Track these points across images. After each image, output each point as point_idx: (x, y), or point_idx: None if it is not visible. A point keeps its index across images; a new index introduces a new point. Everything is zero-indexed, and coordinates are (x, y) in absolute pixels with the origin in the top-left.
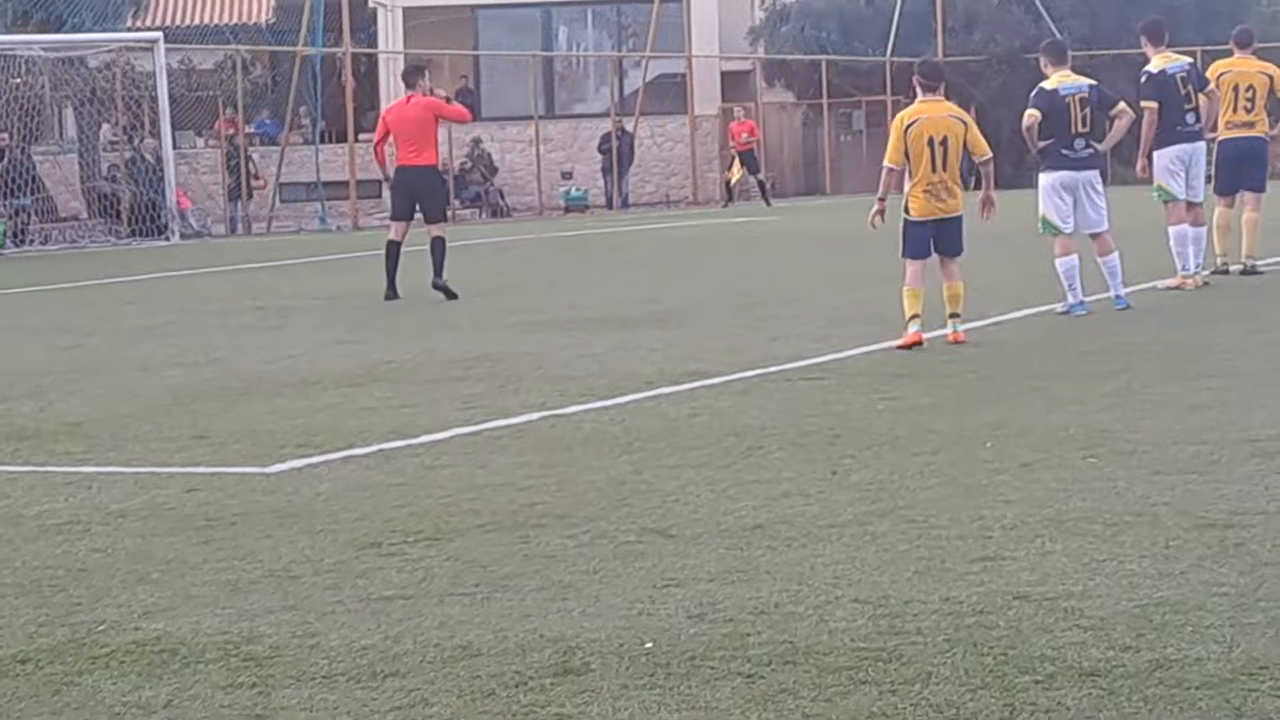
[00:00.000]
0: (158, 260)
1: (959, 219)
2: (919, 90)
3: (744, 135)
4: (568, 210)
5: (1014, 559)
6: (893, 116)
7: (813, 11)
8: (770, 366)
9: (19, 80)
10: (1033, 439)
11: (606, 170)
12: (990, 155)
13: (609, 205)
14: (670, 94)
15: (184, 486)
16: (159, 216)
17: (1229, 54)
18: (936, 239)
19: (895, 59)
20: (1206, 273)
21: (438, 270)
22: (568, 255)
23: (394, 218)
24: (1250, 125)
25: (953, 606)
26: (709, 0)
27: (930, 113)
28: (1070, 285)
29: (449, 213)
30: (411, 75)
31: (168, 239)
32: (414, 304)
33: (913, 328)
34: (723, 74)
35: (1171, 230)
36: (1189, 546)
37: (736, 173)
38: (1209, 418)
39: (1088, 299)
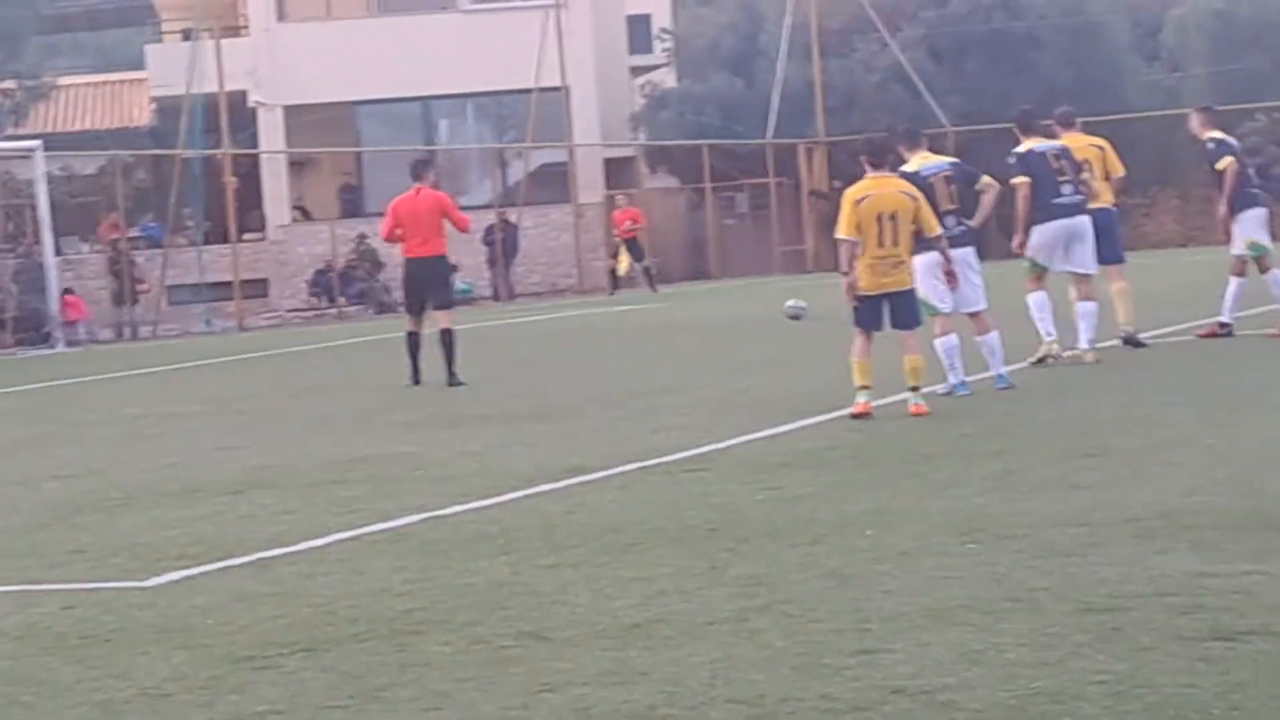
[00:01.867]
0: (40, 370)
1: (910, 292)
2: (867, 168)
3: (627, 223)
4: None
5: (892, 651)
6: (776, 198)
7: (692, 96)
8: (650, 459)
9: None
10: (913, 525)
11: (492, 262)
12: (940, 232)
13: (495, 297)
14: (553, 183)
15: (61, 604)
16: (43, 324)
17: (1054, 136)
18: (891, 313)
19: (776, 141)
20: (1077, 349)
21: (450, 366)
22: None
23: (409, 311)
24: (1095, 197)
25: (829, 703)
26: (589, 89)
27: (880, 189)
28: (951, 365)
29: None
30: (419, 167)
31: (52, 347)
32: (294, 404)
33: (861, 398)
34: (605, 161)
35: (1030, 298)
36: (1068, 633)
37: (623, 261)
38: (1089, 498)
39: (969, 379)
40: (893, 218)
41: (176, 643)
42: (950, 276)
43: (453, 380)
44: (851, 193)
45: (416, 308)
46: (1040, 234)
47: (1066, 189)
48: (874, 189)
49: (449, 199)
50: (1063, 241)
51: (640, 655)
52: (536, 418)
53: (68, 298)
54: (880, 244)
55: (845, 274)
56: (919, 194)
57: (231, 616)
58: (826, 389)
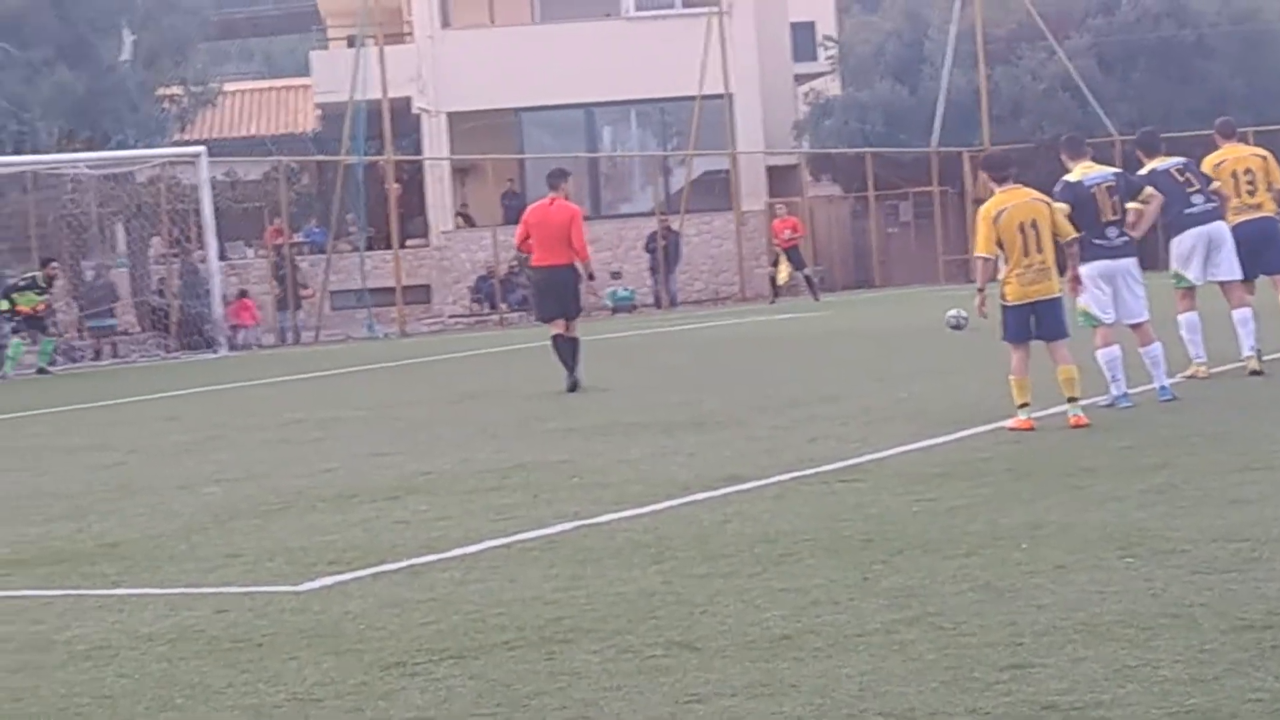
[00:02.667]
0: (204, 374)
1: (1057, 300)
2: (993, 185)
3: (786, 232)
4: (615, 311)
5: (1044, 666)
6: (940, 207)
7: (856, 104)
8: (806, 469)
9: (68, 198)
10: (1069, 539)
11: (654, 269)
12: (1075, 236)
13: (657, 304)
14: (716, 190)
15: (214, 607)
16: (206, 329)
17: (1215, 146)
18: (1037, 323)
19: (941, 149)
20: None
21: (572, 370)
22: (611, 357)
23: (547, 318)
24: (1257, 207)
25: (979, 718)
26: (752, 96)
27: (1014, 200)
28: (1114, 377)
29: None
30: (555, 178)
31: (215, 351)
32: (453, 410)
33: (1022, 415)
34: (768, 169)
35: (1181, 318)
36: (1224, 650)
37: (784, 270)
38: (1250, 513)
39: (1131, 391)
40: (1033, 225)
41: (327, 648)
42: (1075, 283)
43: (573, 384)
44: (987, 210)
45: (552, 314)
46: (1178, 245)
47: (1197, 199)
48: (1008, 201)
49: (580, 216)
50: (1202, 249)
51: (790, 667)
52: (695, 426)
53: (244, 300)
54: (1025, 253)
55: (981, 290)
56: (1049, 200)
57: (383, 622)
58: (985, 400)
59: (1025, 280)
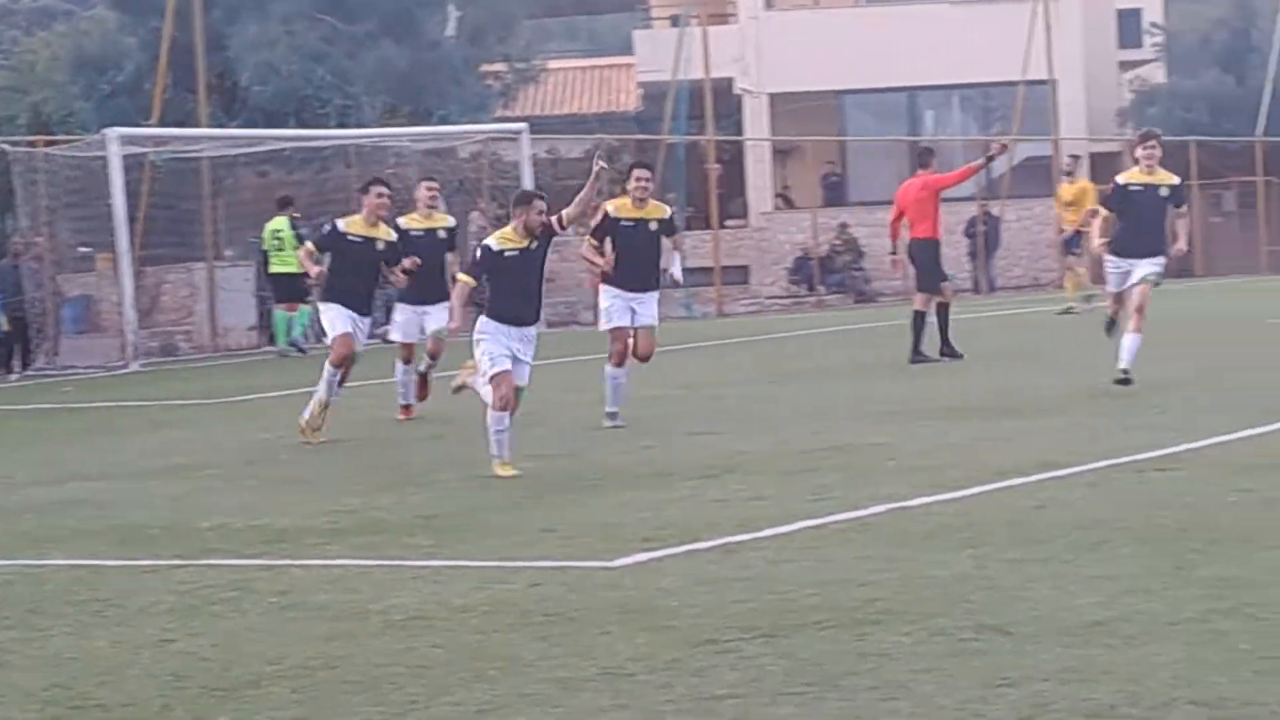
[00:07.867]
0: None
1: None
2: None
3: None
4: None
5: None
6: (1264, 197)
7: (1181, 93)
8: (1122, 457)
9: (390, 171)
10: None
11: (973, 254)
12: None
13: (975, 289)
14: (1037, 176)
15: (528, 581)
16: None
17: None
18: None
19: (1267, 139)
20: None
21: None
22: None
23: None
24: None
25: None
26: (1076, 83)
27: None
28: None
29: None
30: (925, 155)
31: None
32: (771, 391)
33: None
34: (1091, 155)
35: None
36: None
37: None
38: None
39: None
40: None
41: (640, 624)
42: None
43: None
44: None
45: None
46: None
47: None
48: None
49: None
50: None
51: (1102, 653)
52: (1012, 412)
53: None
54: None
55: None
56: None
57: (696, 600)
58: None
59: None
